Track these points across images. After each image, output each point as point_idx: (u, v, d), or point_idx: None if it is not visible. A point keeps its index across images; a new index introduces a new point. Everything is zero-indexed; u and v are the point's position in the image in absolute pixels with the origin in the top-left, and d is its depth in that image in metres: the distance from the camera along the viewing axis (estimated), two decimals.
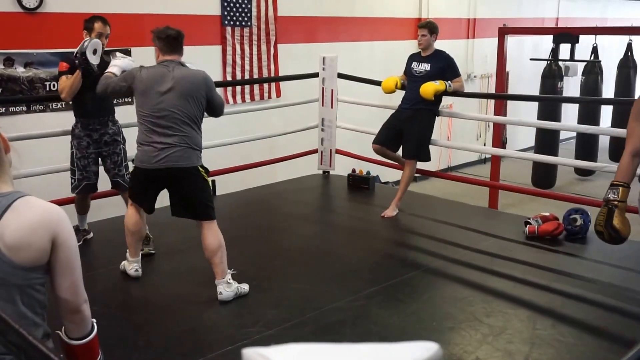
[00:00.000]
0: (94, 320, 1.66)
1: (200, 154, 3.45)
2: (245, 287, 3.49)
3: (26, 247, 1.43)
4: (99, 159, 4.11)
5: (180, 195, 3.43)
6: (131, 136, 3.82)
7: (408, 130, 4.92)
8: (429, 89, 4.74)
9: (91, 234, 4.37)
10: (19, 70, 5.11)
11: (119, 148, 4.12)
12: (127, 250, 3.69)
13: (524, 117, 8.68)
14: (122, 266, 3.75)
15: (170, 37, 3.39)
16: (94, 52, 3.79)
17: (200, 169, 3.41)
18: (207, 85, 3.46)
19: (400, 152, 5.09)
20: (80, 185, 4.07)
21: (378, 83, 5.29)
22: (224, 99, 6.61)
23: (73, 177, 4.09)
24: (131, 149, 3.91)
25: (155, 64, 3.45)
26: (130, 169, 3.86)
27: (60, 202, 3.97)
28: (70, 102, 4.09)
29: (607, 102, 8.39)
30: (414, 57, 5.04)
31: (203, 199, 3.43)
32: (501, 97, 7.94)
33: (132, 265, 3.67)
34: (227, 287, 3.39)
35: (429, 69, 4.86)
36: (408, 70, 5.04)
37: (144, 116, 3.36)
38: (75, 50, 3.82)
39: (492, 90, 9.03)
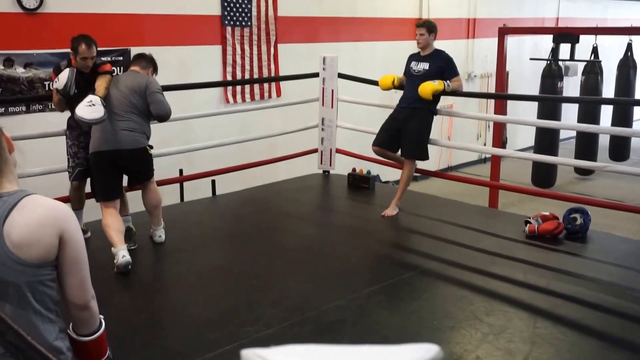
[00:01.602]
0: (102, 316, 1.66)
1: None
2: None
3: (35, 244, 1.44)
4: None
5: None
6: None
7: (406, 130, 4.91)
8: (427, 88, 4.73)
9: (89, 234, 4.34)
10: (19, 71, 5.11)
11: None
12: (112, 243, 3.72)
13: (523, 116, 8.68)
14: (116, 268, 3.72)
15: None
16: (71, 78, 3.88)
17: None
18: None
19: (399, 152, 5.09)
20: (73, 172, 4.16)
21: (377, 83, 5.28)
22: (224, 98, 6.66)
23: (68, 165, 4.20)
24: None
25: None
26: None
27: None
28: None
29: (607, 102, 8.38)
30: (413, 57, 5.03)
31: None
32: (501, 97, 7.94)
33: (120, 253, 3.68)
34: (163, 232, 4.17)
35: (427, 68, 4.85)
36: (407, 70, 5.03)
37: None
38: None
39: (492, 90, 9.03)
